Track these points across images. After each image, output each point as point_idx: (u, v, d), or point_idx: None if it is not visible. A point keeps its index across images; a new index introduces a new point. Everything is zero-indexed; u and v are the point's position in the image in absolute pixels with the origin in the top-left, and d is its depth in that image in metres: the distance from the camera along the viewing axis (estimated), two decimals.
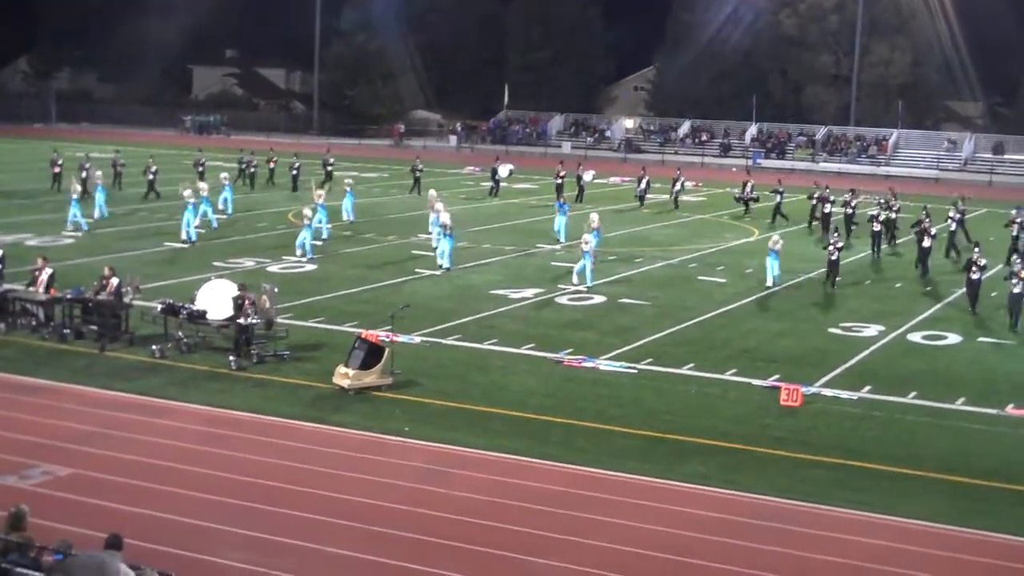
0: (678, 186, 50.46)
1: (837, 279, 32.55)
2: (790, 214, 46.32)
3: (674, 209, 49.60)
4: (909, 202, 47.67)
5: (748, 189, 49.40)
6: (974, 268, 29.53)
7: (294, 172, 50.86)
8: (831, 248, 32.55)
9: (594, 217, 34.02)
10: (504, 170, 52.46)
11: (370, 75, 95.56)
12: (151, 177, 46.13)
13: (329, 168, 51.62)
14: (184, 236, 36.07)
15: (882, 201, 41.01)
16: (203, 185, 40.29)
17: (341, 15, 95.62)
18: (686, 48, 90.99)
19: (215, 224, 39.15)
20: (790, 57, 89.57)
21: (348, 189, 42.76)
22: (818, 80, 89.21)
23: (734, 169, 73.58)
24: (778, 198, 46.52)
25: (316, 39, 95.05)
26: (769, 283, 32.35)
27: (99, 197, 40.88)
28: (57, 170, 46.41)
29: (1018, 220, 39.24)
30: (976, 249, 30.03)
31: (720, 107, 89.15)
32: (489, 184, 53.66)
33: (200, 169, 48.73)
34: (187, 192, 36.59)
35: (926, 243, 35.14)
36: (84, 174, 44.79)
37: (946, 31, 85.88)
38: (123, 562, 10.14)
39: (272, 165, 52.74)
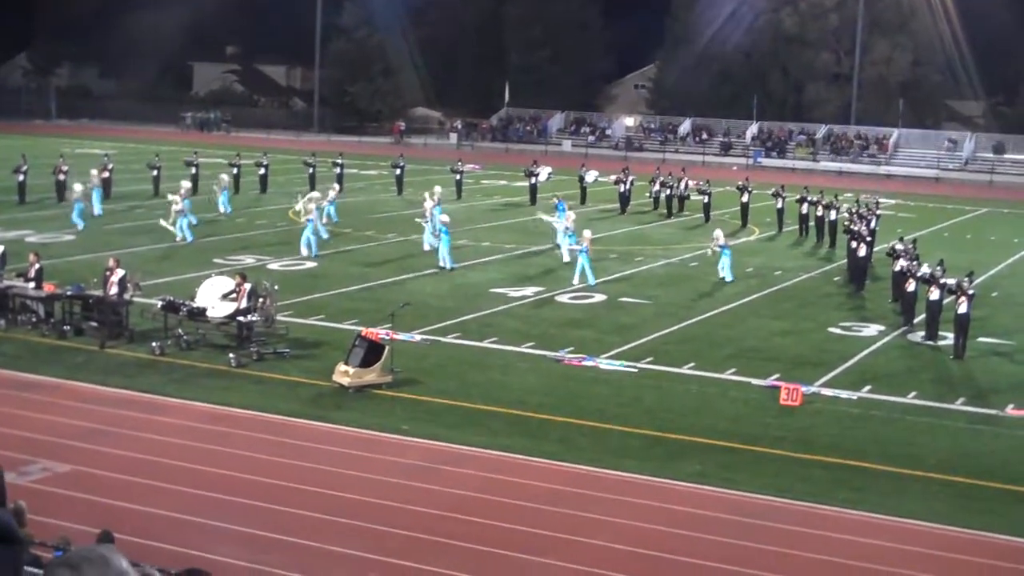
0: (656, 186, 48.95)
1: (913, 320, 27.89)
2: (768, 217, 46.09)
3: (653, 209, 48.67)
4: (911, 201, 47.61)
5: (658, 185, 48.76)
6: (933, 287, 26.13)
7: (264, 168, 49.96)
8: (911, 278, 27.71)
9: (570, 215, 35.12)
10: (543, 173, 51.06)
11: (371, 72, 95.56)
12: (107, 176, 45.18)
13: (312, 170, 50.04)
14: (180, 235, 35.89)
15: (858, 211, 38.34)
16: (187, 185, 39.78)
17: (342, 11, 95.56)
18: (687, 46, 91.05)
19: (195, 220, 38.46)
20: (791, 55, 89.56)
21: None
22: (819, 78, 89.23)
23: (734, 168, 73.56)
24: (706, 198, 46.12)
25: (317, 35, 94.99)
26: (729, 278, 32.91)
27: (94, 196, 40.67)
28: (62, 176, 43.44)
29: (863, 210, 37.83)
30: (939, 266, 26.99)
31: (721, 105, 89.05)
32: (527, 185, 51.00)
33: (193, 170, 47.34)
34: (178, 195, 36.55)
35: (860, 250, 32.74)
36: (107, 173, 44.81)
37: (947, 30, 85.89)
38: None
39: (338, 169, 50.79)
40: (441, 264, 32.82)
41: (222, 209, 41.83)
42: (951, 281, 25.76)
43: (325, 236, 37.15)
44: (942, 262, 27.31)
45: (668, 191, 48.44)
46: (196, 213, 37.98)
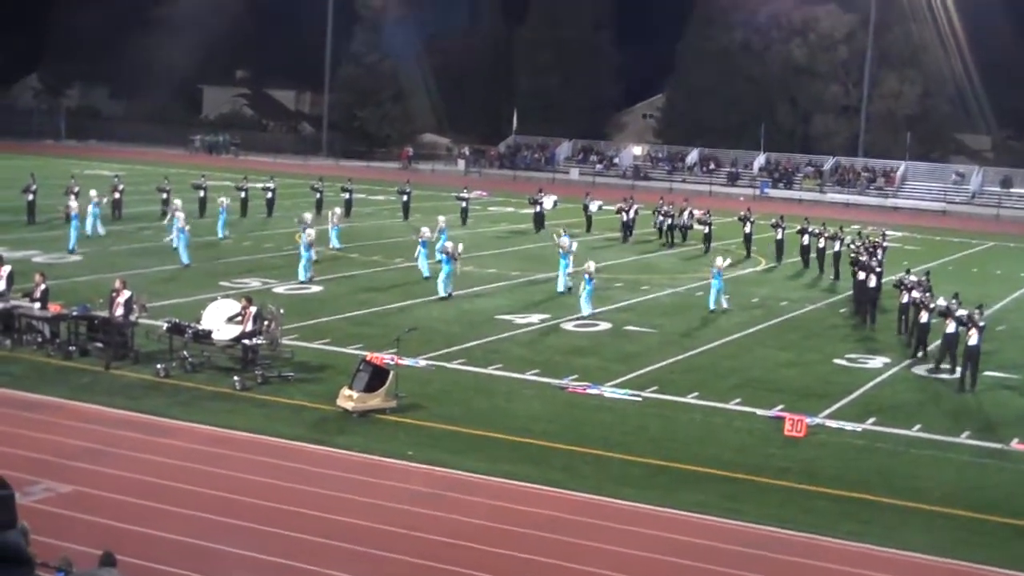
0: (660, 216, 48.94)
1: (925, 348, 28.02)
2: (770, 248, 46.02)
3: (658, 239, 48.74)
4: (917, 234, 47.53)
5: (660, 215, 48.72)
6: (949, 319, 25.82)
7: (268, 195, 50.19)
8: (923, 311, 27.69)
9: (565, 240, 34.95)
10: (549, 201, 51.11)
11: (380, 97, 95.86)
12: (118, 196, 45.64)
13: (319, 195, 50.46)
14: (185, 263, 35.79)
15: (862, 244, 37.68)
16: (177, 202, 39.75)
17: (352, 37, 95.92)
18: (696, 76, 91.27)
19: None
20: (800, 87, 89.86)
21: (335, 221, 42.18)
22: (827, 110, 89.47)
23: (741, 198, 73.61)
24: (706, 229, 46.17)
25: (327, 60, 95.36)
26: (711, 307, 32.70)
27: (90, 215, 40.66)
28: (72, 198, 41.28)
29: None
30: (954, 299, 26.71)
31: (729, 136, 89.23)
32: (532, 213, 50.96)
33: (202, 193, 47.57)
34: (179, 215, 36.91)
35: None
36: (117, 194, 44.93)
37: (958, 63, 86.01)
38: None
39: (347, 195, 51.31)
40: (441, 292, 32.56)
41: (219, 234, 41.77)
42: (963, 312, 25.71)
43: (340, 246, 39.23)
44: (957, 295, 27.21)
45: (670, 221, 48.53)
46: (203, 236, 38.09)
